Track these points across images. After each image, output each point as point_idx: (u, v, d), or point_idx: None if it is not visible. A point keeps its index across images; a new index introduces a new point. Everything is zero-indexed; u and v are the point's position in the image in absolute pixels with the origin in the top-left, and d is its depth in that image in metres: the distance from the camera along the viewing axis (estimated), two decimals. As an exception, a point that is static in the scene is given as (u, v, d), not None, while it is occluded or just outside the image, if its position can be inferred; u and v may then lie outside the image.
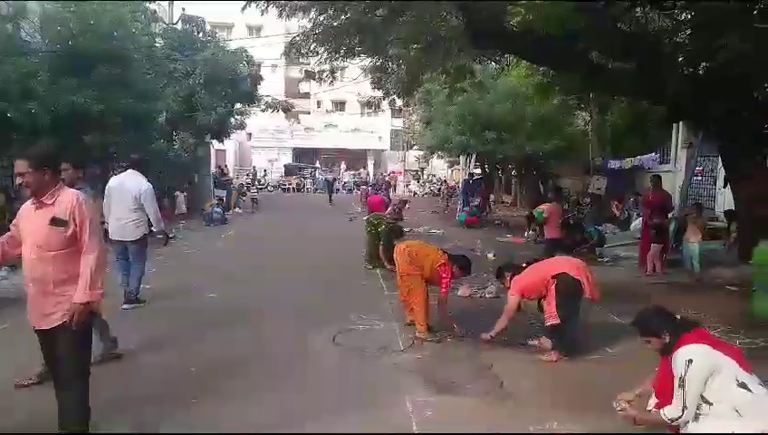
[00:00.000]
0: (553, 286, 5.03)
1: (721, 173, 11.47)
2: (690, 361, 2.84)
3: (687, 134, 14.34)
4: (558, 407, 4.01)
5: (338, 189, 37.67)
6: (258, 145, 42.35)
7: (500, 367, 4.81)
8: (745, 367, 2.91)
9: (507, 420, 3.83)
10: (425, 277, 5.65)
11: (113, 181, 6.61)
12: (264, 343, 5.38)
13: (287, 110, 22.43)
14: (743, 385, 2.81)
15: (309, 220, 17.74)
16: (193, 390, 4.20)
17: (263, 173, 37.02)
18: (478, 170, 29.06)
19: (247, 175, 35.11)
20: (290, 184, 34.92)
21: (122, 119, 11.16)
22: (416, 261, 5.69)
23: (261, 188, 31.76)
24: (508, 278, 5.41)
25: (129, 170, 6.67)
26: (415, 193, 34.21)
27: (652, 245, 9.45)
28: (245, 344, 5.31)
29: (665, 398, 3.05)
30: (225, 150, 34.93)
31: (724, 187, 10.82)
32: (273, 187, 34.86)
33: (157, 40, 16.10)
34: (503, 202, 26.54)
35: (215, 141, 21.14)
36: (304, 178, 35.68)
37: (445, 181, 32.06)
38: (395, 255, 6.03)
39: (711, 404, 2.84)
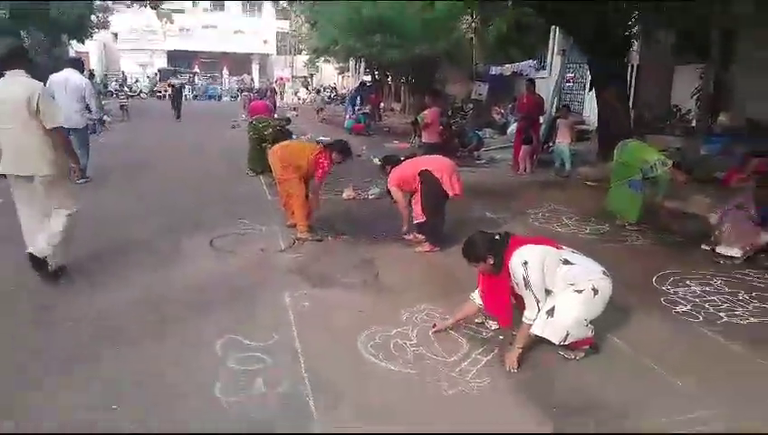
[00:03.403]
0: (419, 184, 5.28)
1: (590, 79, 12.25)
2: (525, 262, 3.15)
3: (562, 42, 15.02)
4: (428, 292, 4.30)
5: (219, 97, 35.61)
6: (127, 48, 38.25)
7: (377, 261, 5.02)
8: (559, 247, 3.34)
9: (380, 305, 4.05)
10: (303, 177, 5.58)
11: (56, 77, 7.72)
12: (137, 250, 5.12)
13: (155, 6, 20.17)
14: (566, 262, 3.24)
15: (187, 128, 16.70)
16: (63, 299, 3.96)
17: (134, 79, 33.80)
18: (369, 78, 28.67)
19: (116, 80, 31.91)
20: (165, 90, 32.26)
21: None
22: (291, 162, 5.54)
23: (132, 95, 29.10)
24: (389, 169, 5.60)
25: (68, 68, 7.92)
26: (303, 101, 33.19)
27: (523, 146, 10.08)
28: (115, 252, 5.03)
29: (502, 312, 3.40)
30: (87, 53, 31.24)
31: (590, 90, 11.61)
32: (146, 93, 32.05)
33: None
34: (392, 110, 26.61)
35: (74, 42, 18.74)
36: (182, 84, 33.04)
37: (334, 88, 31.34)
38: (270, 160, 5.81)
39: (551, 291, 3.22)
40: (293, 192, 5.60)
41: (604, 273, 3.27)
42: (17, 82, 4.00)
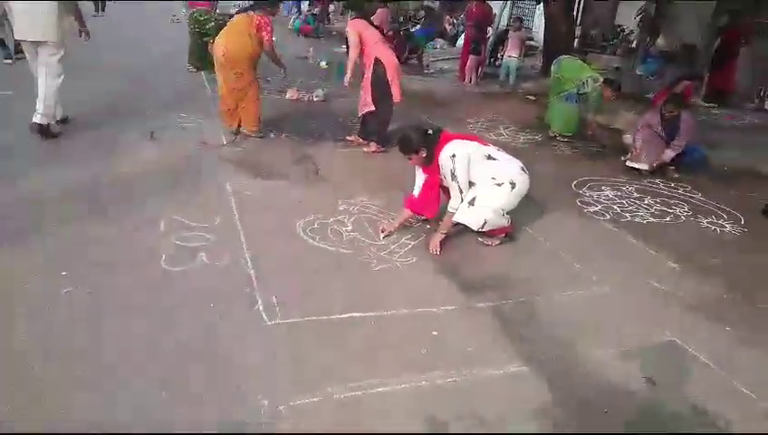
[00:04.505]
0: (371, 73, 5.32)
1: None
2: (453, 155, 3.41)
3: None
4: (365, 187, 4.54)
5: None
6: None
7: (318, 158, 5.19)
8: (485, 144, 3.61)
9: (320, 196, 4.28)
10: (254, 60, 5.39)
11: None
12: (74, 143, 5.04)
13: None
14: (489, 157, 3.52)
15: (121, 21, 15.58)
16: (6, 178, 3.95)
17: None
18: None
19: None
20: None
21: None
22: (243, 59, 5.28)
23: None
24: (354, 16, 5.46)
25: None
26: (249, -1, 31.18)
27: (470, 56, 10.15)
28: (49, 150, 4.93)
29: (433, 203, 3.69)
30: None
31: (538, 3, 11.63)
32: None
33: None
34: (342, 14, 25.58)
35: None
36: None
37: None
38: (219, 65, 5.43)
39: (474, 184, 3.51)
40: (249, 96, 5.44)
41: (522, 169, 3.59)
42: None
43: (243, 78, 5.39)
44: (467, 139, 3.60)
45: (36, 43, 4.85)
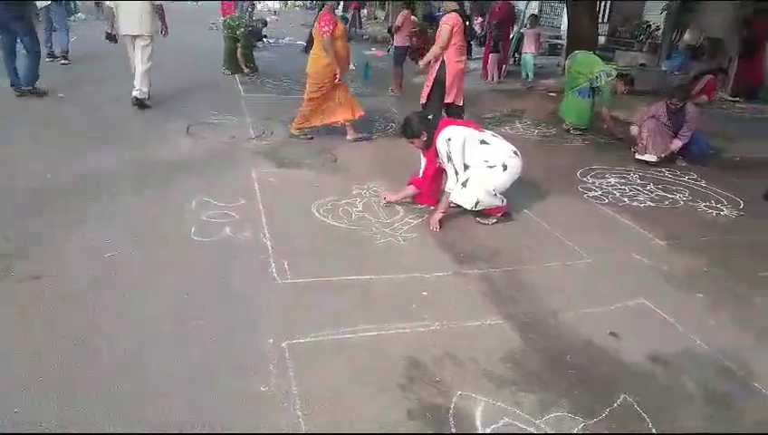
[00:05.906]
0: (434, 75, 5.64)
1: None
2: (449, 139, 3.76)
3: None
4: (379, 174, 4.92)
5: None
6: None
7: (338, 150, 5.61)
8: (481, 130, 3.93)
9: (335, 181, 4.69)
10: (331, 71, 5.65)
11: None
12: (122, 133, 5.62)
13: None
14: (483, 142, 3.85)
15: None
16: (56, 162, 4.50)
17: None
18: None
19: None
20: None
21: None
22: (319, 78, 5.66)
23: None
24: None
25: None
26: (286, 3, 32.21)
27: (491, 54, 10.42)
28: (97, 138, 5.51)
29: (427, 188, 4.05)
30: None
31: (562, 1, 11.78)
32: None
33: None
34: (375, 18, 26.10)
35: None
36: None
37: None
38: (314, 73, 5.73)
39: (469, 167, 3.84)
40: (319, 98, 5.77)
41: (515, 152, 3.90)
42: None
43: (323, 88, 5.74)
44: (464, 125, 3.94)
45: (135, 36, 6.33)
